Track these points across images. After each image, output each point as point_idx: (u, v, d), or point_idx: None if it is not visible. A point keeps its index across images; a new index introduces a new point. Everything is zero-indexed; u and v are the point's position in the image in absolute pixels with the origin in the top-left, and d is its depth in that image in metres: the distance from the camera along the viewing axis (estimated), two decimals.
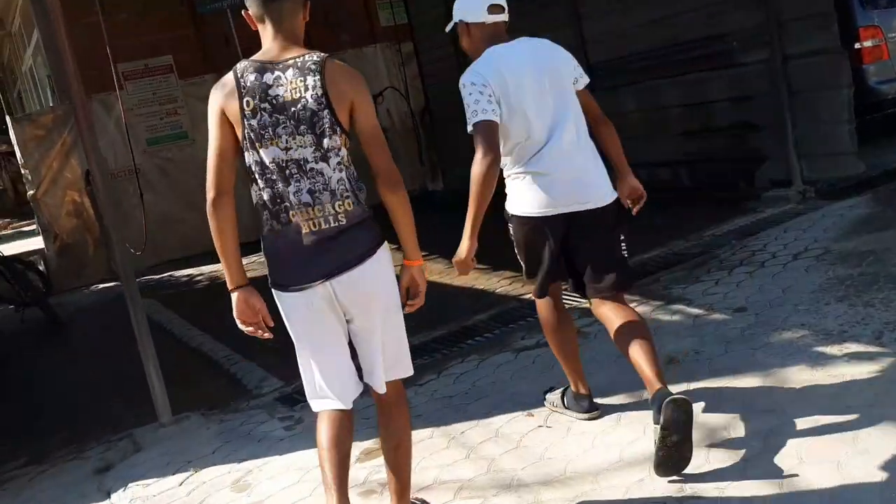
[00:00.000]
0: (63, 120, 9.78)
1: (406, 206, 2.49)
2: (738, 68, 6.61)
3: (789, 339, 3.82)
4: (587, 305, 3.44)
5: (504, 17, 3.12)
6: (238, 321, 2.53)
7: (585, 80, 3.15)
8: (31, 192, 9.74)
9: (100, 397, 5.35)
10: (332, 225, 2.42)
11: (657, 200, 7.59)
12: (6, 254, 9.53)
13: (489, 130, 2.90)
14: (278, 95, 2.38)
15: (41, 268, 9.63)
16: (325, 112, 2.37)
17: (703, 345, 3.94)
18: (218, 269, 9.16)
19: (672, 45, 7.00)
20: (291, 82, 2.38)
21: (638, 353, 2.89)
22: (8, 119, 9.55)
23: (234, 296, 2.54)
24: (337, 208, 2.41)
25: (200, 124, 10.78)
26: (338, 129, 2.39)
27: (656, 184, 7.54)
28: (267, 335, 2.55)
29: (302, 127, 2.38)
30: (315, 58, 2.40)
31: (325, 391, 2.57)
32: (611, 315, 3.08)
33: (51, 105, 10.31)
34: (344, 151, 2.43)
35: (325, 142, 2.38)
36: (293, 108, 2.38)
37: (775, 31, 6.24)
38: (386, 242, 2.53)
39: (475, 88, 2.93)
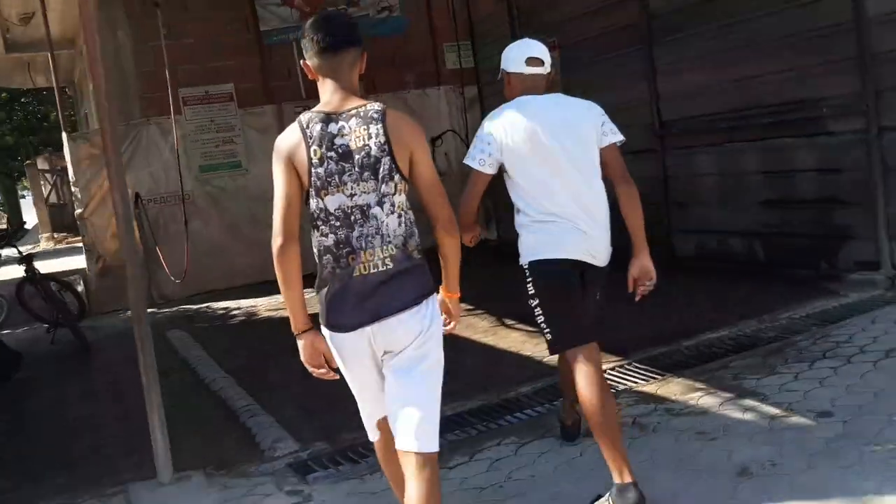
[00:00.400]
0: (119, 141, 9.67)
1: (457, 248, 2.65)
2: (827, 137, 6.04)
3: (885, 458, 3.22)
4: (643, 388, 3.12)
5: (542, 70, 3.24)
6: (307, 365, 2.62)
7: (615, 137, 3.22)
8: (79, 211, 9.62)
9: (106, 439, 4.98)
10: (381, 269, 2.49)
11: (727, 273, 6.99)
12: (46, 271, 9.41)
13: (475, 180, 3.19)
14: (344, 144, 2.48)
15: (80, 288, 9.46)
16: (387, 158, 2.47)
17: (782, 455, 3.36)
18: (256, 304, 8.87)
19: (756, 106, 6.47)
20: (355, 131, 2.49)
21: (613, 433, 2.95)
22: (64, 136, 9.49)
23: (301, 341, 2.59)
24: (384, 252, 2.48)
25: (255, 155, 10.63)
26: (396, 175, 2.48)
27: (727, 255, 7.01)
28: (333, 376, 2.65)
29: (366, 173, 2.47)
30: (377, 107, 2.52)
31: (370, 424, 2.77)
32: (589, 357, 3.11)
33: None
34: (401, 198, 2.51)
35: (384, 187, 2.47)
36: (358, 156, 2.48)
37: (872, 101, 5.67)
38: (435, 295, 2.60)
39: (482, 137, 3.16)
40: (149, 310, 9.47)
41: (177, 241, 9.98)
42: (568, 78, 8.70)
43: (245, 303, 9.04)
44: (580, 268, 3.12)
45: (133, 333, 3.95)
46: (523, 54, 3.24)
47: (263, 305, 8.74)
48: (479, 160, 3.15)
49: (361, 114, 2.49)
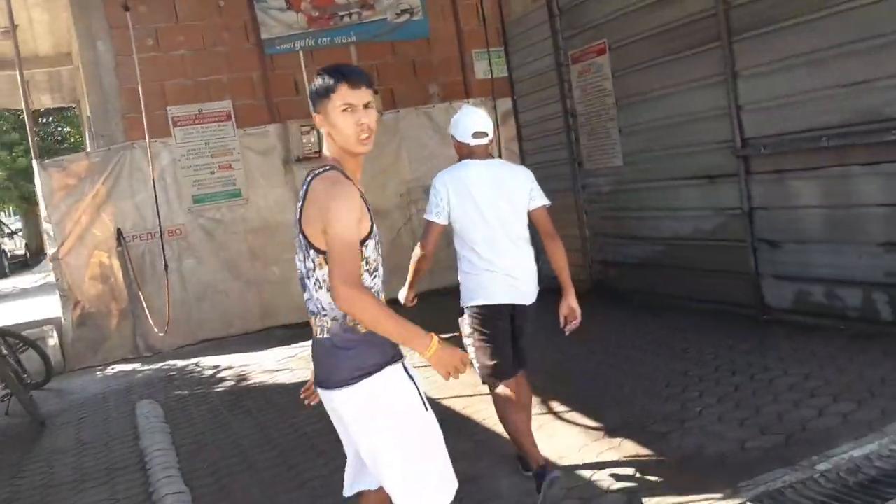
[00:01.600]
0: (98, 168, 8.41)
1: (358, 314, 2.37)
2: None
3: None
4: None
5: (484, 140, 3.72)
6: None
7: (542, 201, 3.78)
8: (52, 251, 8.34)
9: None
10: (319, 336, 2.53)
11: (838, 334, 5.23)
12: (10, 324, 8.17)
13: (429, 228, 3.71)
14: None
15: (52, 342, 8.18)
16: (299, 233, 2.49)
17: None
18: (250, 361, 7.49)
19: (875, 120, 4.93)
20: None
21: (524, 426, 3.65)
22: (34, 164, 8.25)
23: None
24: (319, 321, 2.52)
25: (256, 181, 9.19)
26: (310, 251, 2.47)
27: (837, 310, 5.46)
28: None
29: (300, 250, 2.54)
30: (317, 171, 2.50)
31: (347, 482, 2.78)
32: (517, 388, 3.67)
33: (85, 152, 8.99)
34: (321, 273, 2.47)
35: (307, 262, 2.51)
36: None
37: None
38: (378, 375, 2.43)
39: (436, 193, 3.69)
40: (129, 366, 8.30)
41: (165, 282, 8.67)
42: (621, 84, 7.22)
43: (239, 359, 7.66)
44: (510, 309, 3.66)
45: (100, 402, 3.08)
46: (470, 128, 3.69)
47: (258, 364, 7.35)
48: (436, 213, 3.67)
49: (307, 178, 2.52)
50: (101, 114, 8.51)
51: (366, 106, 2.45)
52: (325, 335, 2.46)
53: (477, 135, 3.69)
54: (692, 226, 6.69)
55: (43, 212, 8.41)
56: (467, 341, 3.68)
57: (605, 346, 6.01)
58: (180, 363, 7.93)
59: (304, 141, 8.99)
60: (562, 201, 8.42)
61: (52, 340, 8.20)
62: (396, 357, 2.47)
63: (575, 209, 8.23)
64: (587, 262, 8.26)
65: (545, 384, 4.96)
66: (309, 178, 2.48)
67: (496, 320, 3.61)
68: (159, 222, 8.09)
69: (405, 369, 2.49)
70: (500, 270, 3.63)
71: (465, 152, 3.74)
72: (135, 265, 8.44)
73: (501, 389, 3.64)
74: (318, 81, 2.48)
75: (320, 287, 2.46)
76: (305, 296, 2.54)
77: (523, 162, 9.21)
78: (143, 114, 8.22)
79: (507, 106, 9.61)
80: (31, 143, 8.47)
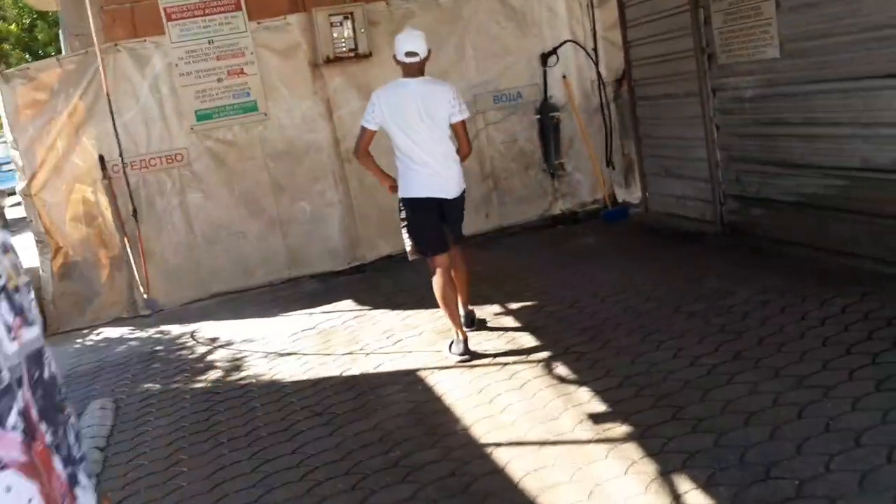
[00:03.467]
0: (74, 78, 6.55)
1: None
2: None
3: None
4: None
5: (416, 59, 4.37)
6: None
7: (461, 116, 4.44)
8: (21, 185, 6.63)
9: None
10: None
11: None
12: None
13: (363, 133, 4.45)
14: None
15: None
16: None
17: None
18: (254, 335, 5.64)
19: None
20: None
21: (461, 287, 4.72)
22: None
23: None
24: None
25: (277, 90, 6.74)
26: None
27: None
28: None
29: None
30: None
31: None
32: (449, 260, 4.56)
33: (56, 56, 7.12)
34: None
35: None
36: None
37: None
38: None
39: (371, 105, 4.42)
40: (118, 331, 6.56)
41: (166, 222, 6.89)
42: None
43: (245, 330, 5.85)
44: (436, 202, 4.45)
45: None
46: (402, 49, 4.36)
47: (263, 340, 5.53)
48: (368, 119, 4.42)
49: None
50: (73, 6, 6.58)
51: None
52: None
53: (408, 54, 4.35)
54: (894, 152, 4.31)
55: (8, 136, 6.66)
56: (402, 223, 4.57)
57: (750, 346, 3.84)
58: (176, 330, 6.18)
59: (336, 35, 6.85)
60: (680, 110, 6.06)
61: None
62: None
63: (701, 123, 5.87)
64: (716, 197, 5.94)
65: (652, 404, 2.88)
66: None
67: (419, 210, 4.44)
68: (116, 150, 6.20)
69: None
70: (425, 170, 4.40)
71: (401, 70, 4.43)
72: (126, 201, 6.65)
73: (437, 266, 4.51)
74: None
75: None
76: None
77: (626, 55, 6.85)
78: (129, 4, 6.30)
79: None
80: None
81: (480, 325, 4.88)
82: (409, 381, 4.30)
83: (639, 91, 6.79)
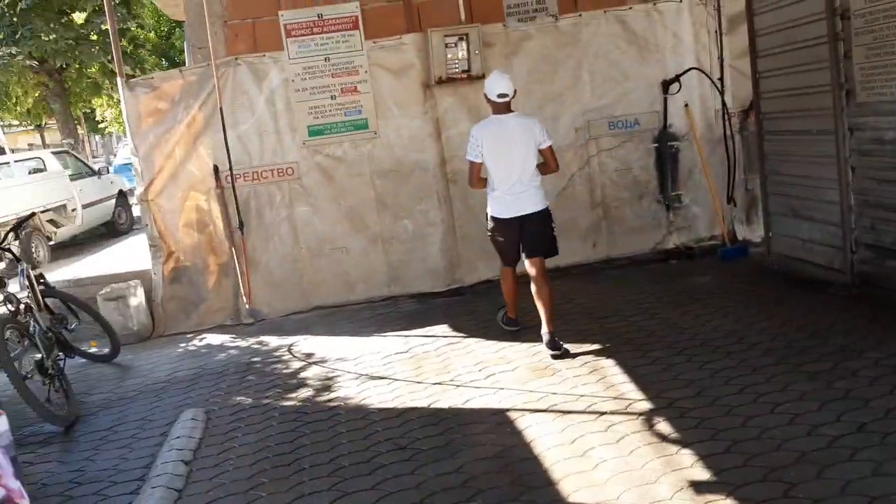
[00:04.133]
0: (195, 89, 6.74)
1: None
2: None
3: None
4: None
5: (506, 99, 5.09)
6: None
7: (548, 142, 5.13)
8: (139, 190, 6.86)
9: None
10: None
11: None
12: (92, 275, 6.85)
13: (472, 167, 5.17)
14: None
15: (134, 305, 6.78)
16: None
17: None
18: (347, 354, 5.64)
19: None
20: None
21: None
22: (119, 82, 6.72)
23: None
24: None
25: (388, 109, 6.72)
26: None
27: None
28: None
29: None
30: None
31: None
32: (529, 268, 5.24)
33: (180, 69, 7.34)
34: None
35: None
36: None
37: None
38: None
39: (473, 140, 5.13)
40: (219, 338, 6.65)
41: (273, 234, 6.98)
42: None
43: (340, 347, 5.82)
44: (517, 220, 5.16)
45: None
46: (495, 91, 5.08)
47: (357, 360, 5.47)
48: (475, 155, 5.11)
49: None
50: (198, 20, 6.78)
51: None
52: None
53: (500, 95, 5.08)
54: None
55: (129, 143, 6.92)
56: (489, 235, 5.41)
57: (877, 417, 3.44)
58: (274, 342, 6.22)
59: (450, 56, 6.77)
60: (812, 148, 5.64)
61: (136, 299, 6.80)
62: None
63: (835, 163, 5.42)
64: (847, 245, 5.47)
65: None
66: None
67: (502, 226, 5.22)
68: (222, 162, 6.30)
69: None
70: (510, 195, 5.14)
71: (493, 108, 5.17)
72: (234, 210, 6.79)
73: (505, 268, 5.45)
74: None
75: None
76: None
77: (755, 86, 6.43)
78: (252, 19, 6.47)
79: (738, 7, 6.78)
80: (115, 56, 6.93)
81: (564, 354, 4.98)
82: (499, 421, 4.10)
83: (767, 125, 6.36)
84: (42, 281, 5.88)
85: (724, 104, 7.10)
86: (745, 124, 7.34)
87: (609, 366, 4.69)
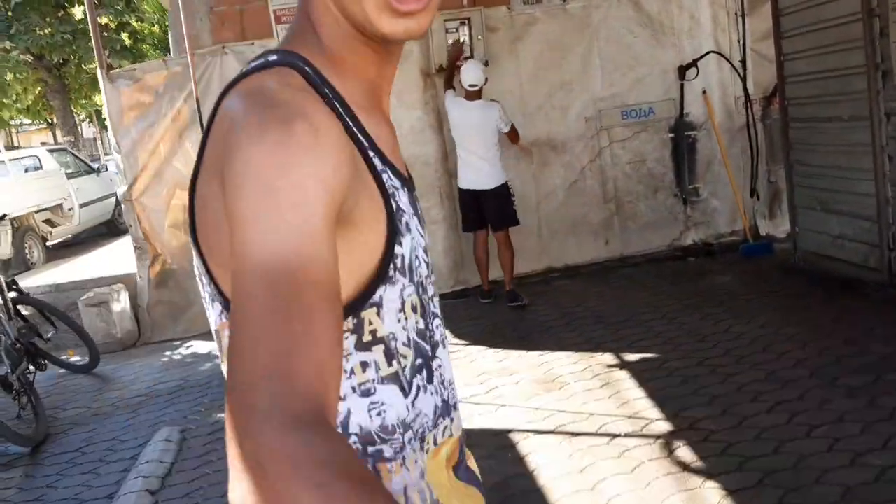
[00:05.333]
0: (180, 81, 6.34)
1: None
2: None
3: None
4: None
5: (475, 89, 5.72)
6: None
7: (506, 128, 5.83)
8: (122, 189, 6.48)
9: None
10: None
11: None
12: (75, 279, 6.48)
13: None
14: None
15: (117, 310, 6.39)
16: (195, 254, 0.93)
17: None
18: None
19: None
20: None
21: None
22: (100, 74, 6.32)
23: None
24: None
25: (410, 109, 6.43)
26: (213, 298, 0.92)
27: None
28: None
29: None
30: (244, 71, 0.93)
31: None
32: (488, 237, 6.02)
33: (163, 58, 6.94)
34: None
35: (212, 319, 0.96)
36: None
37: None
38: None
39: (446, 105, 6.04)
40: (207, 345, 6.26)
41: None
42: None
43: None
44: (475, 193, 5.87)
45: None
46: (468, 81, 5.71)
47: None
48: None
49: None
50: (184, 8, 6.35)
51: None
52: None
53: (471, 86, 5.71)
54: None
55: (111, 139, 6.53)
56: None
57: None
58: None
59: (450, 42, 6.33)
60: (843, 136, 5.16)
61: (119, 305, 6.41)
62: None
63: (870, 152, 4.94)
64: (884, 241, 4.99)
65: None
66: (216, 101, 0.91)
67: (462, 195, 5.99)
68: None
69: None
70: (467, 165, 5.87)
71: (464, 95, 5.80)
72: None
73: (475, 235, 6.05)
74: None
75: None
76: None
77: (780, 69, 5.94)
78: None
79: None
80: (95, 46, 6.52)
81: (524, 305, 5.87)
82: (500, 444, 3.68)
83: (793, 111, 5.88)
84: (15, 287, 5.51)
85: (745, 90, 6.61)
86: (767, 111, 6.86)
87: (623, 378, 4.25)
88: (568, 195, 6.77)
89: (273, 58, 0.90)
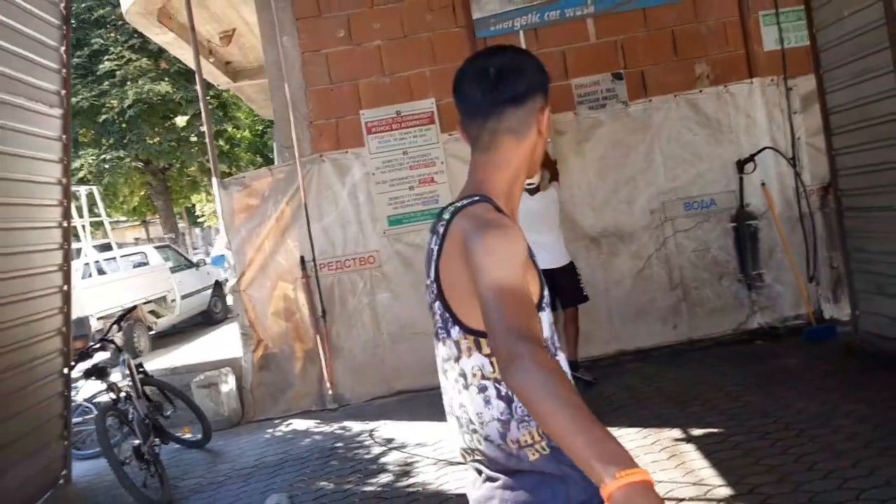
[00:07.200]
0: (283, 186, 7.18)
1: (533, 394, 1.30)
2: None
3: None
4: None
5: (533, 186, 6.15)
6: None
7: (556, 189, 6.45)
8: (232, 282, 7.27)
9: None
10: (478, 477, 1.65)
11: None
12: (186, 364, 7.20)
13: None
14: None
15: (225, 391, 7.08)
16: (438, 303, 1.62)
17: None
18: (427, 439, 5.68)
19: None
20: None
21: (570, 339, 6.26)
22: (214, 182, 7.23)
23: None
24: (467, 442, 1.66)
25: None
26: (453, 328, 1.60)
27: None
28: None
29: (437, 327, 1.67)
30: (459, 204, 1.66)
31: None
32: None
33: (268, 167, 7.83)
34: (469, 362, 1.59)
35: (442, 348, 1.66)
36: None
37: None
38: None
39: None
40: (305, 423, 6.89)
41: (356, 320, 7.22)
42: None
43: (420, 433, 5.90)
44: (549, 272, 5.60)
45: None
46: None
47: (435, 446, 5.54)
48: None
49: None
50: (285, 121, 7.26)
51: None
52: (477, 465, 1.63)
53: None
54: None
55: (223, 237, 7.38)
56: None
57: None
58: (356, 427, 6.37)
59: None
60: (894, 224, 5.52)
61: (227, 386, 7.11)
62: None
63: None
64: None
65: None
66: (447, 218, 1.63)
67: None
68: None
69: None
70: (544, 248, 5.82)
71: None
72: (320, 299, 7.09)
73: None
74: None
75: (466, 386, 1.60)
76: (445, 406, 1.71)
77: (832, 163, 6.38)
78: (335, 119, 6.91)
79: (810, 86, 6.79)
80: (211, 159, 7.47)
81: (591, 384, 6.27)
82: None
83: (846, 201, 6.28)
84: (141, 370, 6.25)
85: (799, 182, 7.04)
86: (825, 201, 7.24)
87: (688, 451, 4.62)
88: (636, 282, 7.22)
89: (476, 198, 1.62)
